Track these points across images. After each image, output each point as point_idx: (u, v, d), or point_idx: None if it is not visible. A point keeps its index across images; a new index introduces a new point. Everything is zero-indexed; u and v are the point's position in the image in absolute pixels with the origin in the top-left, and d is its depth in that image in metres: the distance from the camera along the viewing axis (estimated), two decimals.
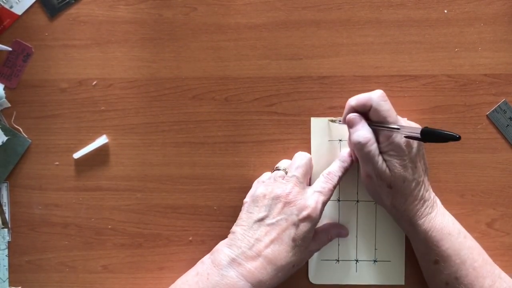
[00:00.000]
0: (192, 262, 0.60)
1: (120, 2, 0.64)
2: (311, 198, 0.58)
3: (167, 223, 0.65)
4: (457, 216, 0.61)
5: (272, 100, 0.64)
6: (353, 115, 0.58)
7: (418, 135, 0.54)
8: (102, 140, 0.64)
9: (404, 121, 0.59)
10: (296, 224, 0.57)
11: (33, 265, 0.65)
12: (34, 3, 0.64)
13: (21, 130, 0.65)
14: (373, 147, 0.57)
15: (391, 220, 0.62)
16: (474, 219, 0.64)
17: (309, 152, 0.63)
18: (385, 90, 0.58)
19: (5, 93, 0.64)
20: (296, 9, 0.63)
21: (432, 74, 0.63)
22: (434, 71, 0.63)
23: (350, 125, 0.58)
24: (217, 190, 0.65)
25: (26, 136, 0.65)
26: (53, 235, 0.65)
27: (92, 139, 0.65)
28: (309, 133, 0.64)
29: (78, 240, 0.65)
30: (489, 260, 0.59)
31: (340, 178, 0.60)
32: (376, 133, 0.57)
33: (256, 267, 0.56)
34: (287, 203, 0.57)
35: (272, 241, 0.57)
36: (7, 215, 0.65)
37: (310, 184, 0.61)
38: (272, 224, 0.57)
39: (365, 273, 0.64)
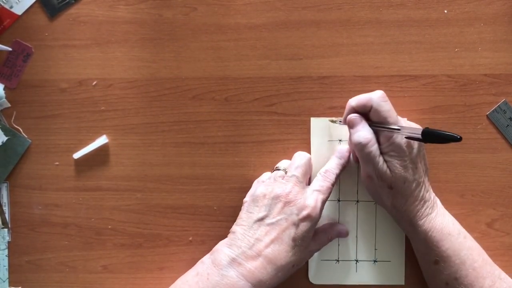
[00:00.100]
0: (192, 262, 0.60)
1: (120, 2, 0.64)
2: (311, 198, 0.58)
3: (167, 223, 0.65)
4: (457, 216, 0.61)
5: (272, 100, 0.64)
6: (353, 116, 0.58)
7: (419, 136, 0.54)
8: (102, 140, 0.64)
9: (404, 122, 0.59)
10: (296, 224, 0.57)
11: (33, 265, 0.65)
12: (34, 3, 0.64)
13: (21, 130, 0.65)
14: (374, 147, 0.57)
15: (391, 220, 0.62)
16: (474, 219, 0.64)
17: (309, 152, 0.63)
18: (385, 90, 0.58)
19: (5, 93, 0.64)
20: (296, 9, 0.63)
21: (432, 74, 0.63)
22: (434, 71, 0.63)
23: (351, 125, 0.58)
24: (217, 190, 0.65)
25: (26, 136, 0.65)
26: (53, 235, 0.65)
27: (92, 139, 0.65)
28: (309, 133, 0.64)
29: (78, 240, 0.65)
30: (489, 260, 0.59)
31: (338, 175, 0.60)
32: (376, 133, 0.57)
33: (256, 267, 0.56)
34: (287, 203, 0.57)
35: (272, 241, 0.57)
36: (7, 215, 0.65)
37: (309, 184, 0.61)
38: (272, 223, 0.57)
39: (365, 273, 0.64)
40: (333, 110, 0.64)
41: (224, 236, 0.60)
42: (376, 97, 0.57)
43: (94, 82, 0.64)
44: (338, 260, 0.64)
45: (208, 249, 0.60)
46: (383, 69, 0.63)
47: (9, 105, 0.65)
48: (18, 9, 0.64)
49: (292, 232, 0.57)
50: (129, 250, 0.65)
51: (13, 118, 0.65)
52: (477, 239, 0.60)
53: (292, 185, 0.58)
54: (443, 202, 0.61)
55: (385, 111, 0.57)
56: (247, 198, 0.60)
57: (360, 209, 0.64)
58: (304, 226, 0.57)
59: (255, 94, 0.64)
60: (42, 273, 0.65)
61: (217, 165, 0.64)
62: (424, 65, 0.63)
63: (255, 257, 0.56)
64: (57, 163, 0.65)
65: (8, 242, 0.65)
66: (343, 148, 0.62)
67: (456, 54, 0.63)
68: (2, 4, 0.64)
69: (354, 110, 0.58)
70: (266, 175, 0.62)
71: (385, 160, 0.57)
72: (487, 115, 0.63)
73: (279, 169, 0.61)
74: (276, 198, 0.58)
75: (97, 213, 0.65)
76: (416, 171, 0.57)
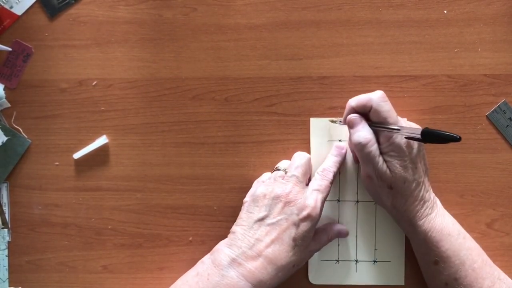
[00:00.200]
0: (192, 262, 0.60)
1: (120, 3, 0.64)
2: (310, 198, 0.58)
3: (167, 223, 0.65)
4: (457, 217, 0.61)
5: (272, 100, 0.64)
6: (353, 116, 0.58)
7: (419, 136, 0.54)
8: (102, 140, 0.64)
9: (404, 122, 0.59)
10: (297, 224, 0.57)
11: (33, 265, 0.65)
12: (34, 3, 0.64)
13: (21, 130, 0.65)
14: (374, 147, 0.57)
15: (391, 221, 0.62)
16: (474, 219, 0.64)
17: (309, 152, 0.63)
18: (385, 91, 0.58)
19: (5, 93, 0.64)
20: (296, 9, 0.63)
21: (432, 74, 0.63)
22: (434, 71, 0.63)
23: (351, 125, 0.58)
24: (217, 190, 0.65)
25: (26, 136, 0.65)
26: (53, 235, 0.65)
27: (92, 139, 0.65)
28: (308, 133, 0.64)
29: (78, 240, 0.65)
30: (489, 261, 0.59)
31: (335, 173, 0.60)
32: (376, 134, 0.58)
33: (256, 267, 0.56)
34: (287, 203, 0.57)
35: (272, 241, 0.57)
36: (7, 215, 0.65)
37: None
38: (273, 224, 0.57)
39: (365, 274, 0.64)
40: (333, 110, 0.64)
41: (224, 236, 0.60)
42: (376, 97, 0.57)
43: (94, 82, 0.64)
44: (338, 260, 0.64)
45: (208, 249, 0.60)
46: (383, 69, 0.63)
47: (9, 105, 0.65)
48: (18, 9, 0.64)
49: (292, 232, 0.57)
50: (129, 250, 0.65)
51: (13, 118, 0.65)
52: (477, 239, 0.60)
53: (292, 185, 0.58)
54: (443, 202, 0.61)
55: (385, 111, 0.57)
56: (247, 198, 0.60)
57: (360, 209, 0.64)
58: (304, 226, 0.57)
59: (255, 94, 0.64)
60: (42, 273, 0.65)
61: (217, 165, 0.64)
62: (424, 65, 0.63)
63: (256, 257, 0.56)
64: (57, 163, 0.65)
65: (8, 242, 0.65)
66: (340, 145, 0.62)
67: (456, 54, 0.63)
68: (2, 4, 0.64)
69: (354, 110, 0.59)
70: (266, 175, 0.62)
71: (385, 160, 0.57)
72: (487, 115, 0.63)
73: (279, 169, 0.61)
74: (276, 198, 0.58)
75: (97, 213, 0.65)
76: (416, 171, 0.58)
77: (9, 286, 0.65)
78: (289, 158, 0.62)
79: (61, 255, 0.65)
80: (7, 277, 0.65)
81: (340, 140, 0.63)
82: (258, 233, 0.57)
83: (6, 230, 0.65)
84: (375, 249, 0.64)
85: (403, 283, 0.64)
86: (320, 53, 0.64)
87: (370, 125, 0.58)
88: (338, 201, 0.64)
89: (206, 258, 0.58)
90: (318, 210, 0.57)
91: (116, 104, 0.64)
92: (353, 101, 0.58)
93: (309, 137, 0.64)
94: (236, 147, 0.64)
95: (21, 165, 0.65)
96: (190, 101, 0.64)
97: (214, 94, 0.64)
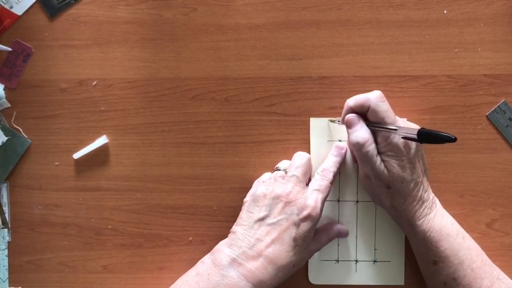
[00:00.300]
0: (192, 262, 0.60)
1: (120, 3, 0.64)
2: (311, 198, 0.58)
3: (167, 223, 0.65)
4: (456, 217, 0.61)
5: (272, 100, 0.64)
6: (351, 116, 0.58)
7: (415, 136, 0.54)
8: (102, 140, 0.64)
9: (403, 122, 0.59)
10: (297, 224, 0.57)
11: (33, 265, 0.65)
12: (34, 3, 0.64)
13: (21, 130, 0.65)
14: (371, 147, 0.57)
15: (391, 221, 0.62)
16: (473, 219, 0.64)
17: (309, 152, 0.63)
18: (385, 91, 0.58)
19: (5, 93, 0.64)
20: (296, 9, 0.63)
21: (432, 75, 0.63)
22: (434, 72, 0.63)
23: (349, 125, 0.58)
24: (217, 190, 0.65)
25: (26, 136, 0.65)
26: (53, 235, 0.65)
27: (92, 139, 0.65)
28: (308, 133, 0.64)
29: (78, 240, 0.65)
30: (488, 261, 0.59)
31: (335, 173, 0.60)
32: (374, 133, 0.58)
33: (256, 267, 0.56)
34: (287, 203, 0.57)
35: (273, 241, 0.57)
36: (7, 215, 0.65)
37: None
38: (273, 223, 0.57)
39: (365, 273, 0.64)
40: (333, 110, 0.64)
41: (224, 236, 0.60)
42: (374, 97, 0.57)
43: (94, 82, 0.64)
44: (338, 260, 0.64)
45: (208, 249, 0.60)
46: (383, 69, 0.63)
47: (9, 105, 0.65)
48: (18, 9, 0.64)
49: (293, 232, 0.57)
50: (129, 250, 0.65)
51: (13, 118, 0.65)
52: (477, 239, 0.60)
53: (293, 185, 0.58)
54: (443, 202, 0.61)
55: (382, 111, 0.57)
56: (247, 198, 0.60)
57: (360, 209, 0.64)
58: (304, 226, 0.57)
59: (255, 94, 0.64)
60: (42, 273, 0.65)
61: (217, 165, 0.64)
62: (424, 65, 0.63)
63: (256, 257, 0.56)
64: (57, 163, 0.65)
65: (8, 242, 0.65)
66: (339, 145, 0.62)
67: (456, 55, 0.63)
68: (2, 4, 0.64)
69: (352, 110, 0.59)
70: (266, 175, 0.62)
71: (382, 160, 0.57)
72: (486, 115, 0.63)
73: (279, 169, 0.61)
74: (276, 198, 0.58)
75: (97, 213, 0.65)
76: (414, 171, 0.58)
77: (9, 286, 0.65)
78: (289, 158, 0.62)
79: (61, 255, 0.65)
80: (7, 277, 0.65)
81: (340, 140, 0.63)
82: (259, 233, 0.57)
83: (6, 230, 0.65)
84: (375, 249, 0.64)
85: (403, 283, 0.64)
86: (320, 53, 0.64)
87: (368, 125, 0.58)
88: (338, 201, 0.64)
89: (206, 258, 0.58)
90: (318, 210, 0.57)
91: (116, 104, 0.64)
92: (351, 101, 0.58)
93: (309, 137, 0.64)
94: (236, 147, 0.64)
95: (21, 165, 0.65)
96: (190, 101, 0.64)
97: (214, 94, 0.64)
